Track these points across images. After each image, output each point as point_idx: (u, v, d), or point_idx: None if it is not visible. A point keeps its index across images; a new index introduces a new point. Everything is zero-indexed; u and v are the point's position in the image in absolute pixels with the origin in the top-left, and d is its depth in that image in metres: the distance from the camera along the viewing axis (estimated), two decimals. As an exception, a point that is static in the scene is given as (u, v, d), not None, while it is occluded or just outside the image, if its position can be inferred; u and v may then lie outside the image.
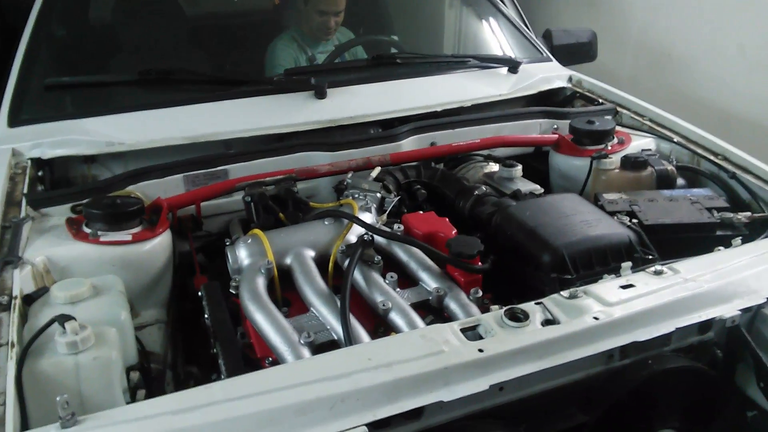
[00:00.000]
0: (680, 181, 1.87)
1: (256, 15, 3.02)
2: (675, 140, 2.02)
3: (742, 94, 3.65)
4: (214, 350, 1.31)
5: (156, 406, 0.98)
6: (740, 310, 1.24)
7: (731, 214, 1.61)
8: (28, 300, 1.30)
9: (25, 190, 1.65)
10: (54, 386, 1.08)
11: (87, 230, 1.49)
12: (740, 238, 1.49)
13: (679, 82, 4.04)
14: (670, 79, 4.10)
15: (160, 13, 2.64)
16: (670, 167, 1.85)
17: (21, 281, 1.32)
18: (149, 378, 1.30)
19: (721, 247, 1.45)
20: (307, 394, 0.99)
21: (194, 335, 1.53)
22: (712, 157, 1.91)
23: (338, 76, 2.23)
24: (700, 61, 3.91)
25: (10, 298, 1.26)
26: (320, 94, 2.09)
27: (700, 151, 1.95)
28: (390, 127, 2.02)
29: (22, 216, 1.53)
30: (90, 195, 1.59)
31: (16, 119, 1.95)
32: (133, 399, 1.19)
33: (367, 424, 0.97)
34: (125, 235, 1.49)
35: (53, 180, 1.87)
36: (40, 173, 1.80)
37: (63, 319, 1.11)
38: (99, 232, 1.48)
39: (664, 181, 1.83)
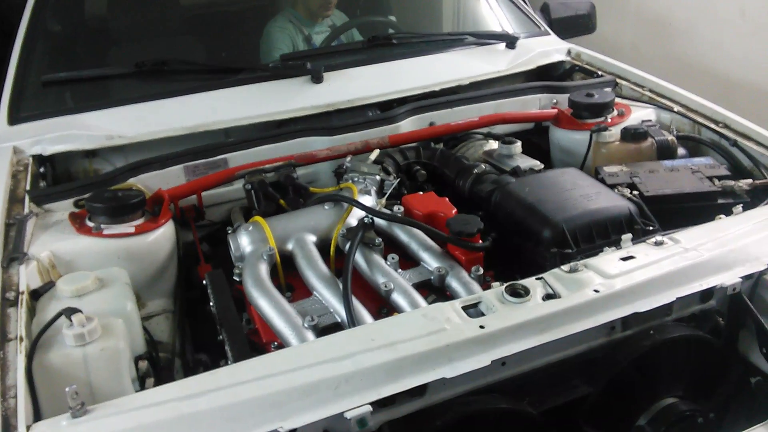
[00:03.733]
0: (681, 150, 1.86)
1: (249, 1, 2.99)
2: (675, 110, 2.00)
3: (744, 59, 3.60)
4: (221, 337, 1.33)
5: (163, 393, 1.00)
6: (741, 277, 1.25)
7: (732, 182, 1.60)
8: (35, 295, 1.32)
9: (28, 187, 1.66)
10: (64, 378, 1.10)
11: (90, 224, 1.51)
12: (741, 205, 1.49)
13: (681, 50, 4.00)
14: (672, 47, 4.06)
15: (154, 4, 2.63)
16: (670, 137, 1.84)
17: (27, 277, 1.34)
18: (158, 367, 1.31)
19: (722, 216, 1.44)
20: (312, 376, 1.01)
21: (202, 323, 1.55)
22: (712, 126, 1.89)
23: (334, 60, 2.22)
24: (701, 27, 3.87)
25: (17, 293, 1.28)
26: (317, 79, 2.08)
27: (700, 119, 1.93)
28: (388, 109, 2.01)
29: (26, 212, 1.55)
30: (92, 189, 1.61)
31: (15, 117, 1.95)
32: (142, 388, 1.21)
33: (371, 403, 0.98)
34: (128, 228, 1.50)
35: (55, 176, 1.89)
36: (42, 170, 1.81)
37: (70, 312, 1.13)
38: (102, 226, 1.50)
39: (665, 152, 1.81)
